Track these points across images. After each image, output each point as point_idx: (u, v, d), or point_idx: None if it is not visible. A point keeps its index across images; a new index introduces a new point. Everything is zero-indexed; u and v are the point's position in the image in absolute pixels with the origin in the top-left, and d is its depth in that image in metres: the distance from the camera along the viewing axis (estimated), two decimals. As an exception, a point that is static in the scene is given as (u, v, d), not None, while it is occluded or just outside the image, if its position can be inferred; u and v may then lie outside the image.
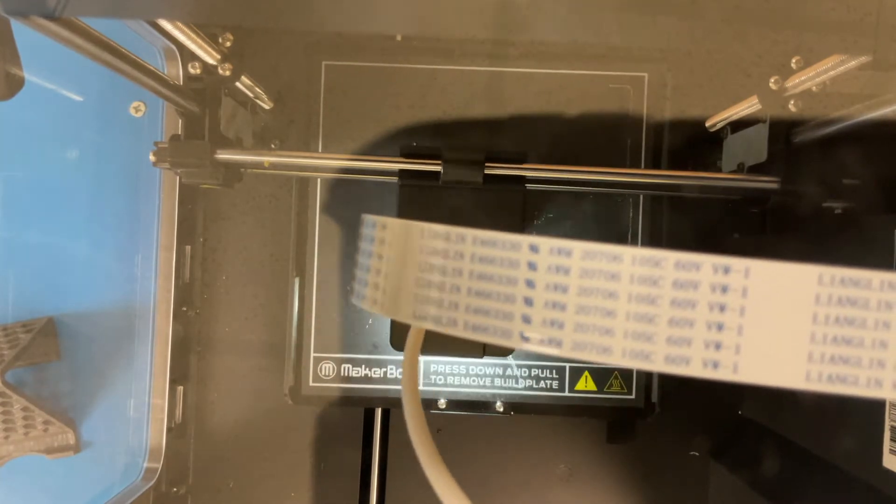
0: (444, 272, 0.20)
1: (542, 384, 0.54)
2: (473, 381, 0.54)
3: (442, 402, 0.54)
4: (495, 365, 0.54)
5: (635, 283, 0.17)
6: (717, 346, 0.17)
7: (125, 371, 0.53)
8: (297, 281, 0.54)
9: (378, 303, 0.22)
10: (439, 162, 0.45)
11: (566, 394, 0.54)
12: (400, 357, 0.54)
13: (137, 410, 0.53)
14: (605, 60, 0.54)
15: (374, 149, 0.54)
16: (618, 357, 0.17)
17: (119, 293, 0.53)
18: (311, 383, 0.54)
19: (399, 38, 0.56)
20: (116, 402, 0.53)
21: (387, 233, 0.22)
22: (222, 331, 0.57)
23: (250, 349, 0.57)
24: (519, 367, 0.54)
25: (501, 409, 0.54)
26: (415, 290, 0.21)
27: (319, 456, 0.58)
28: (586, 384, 0.54)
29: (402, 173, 0.46)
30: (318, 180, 0.54)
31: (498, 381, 0.54)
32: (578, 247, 0.18)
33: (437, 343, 0.45)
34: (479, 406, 0.54)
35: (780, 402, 0.51)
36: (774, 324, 0.17)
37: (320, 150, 0.54)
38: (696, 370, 0.17)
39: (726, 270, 0.17)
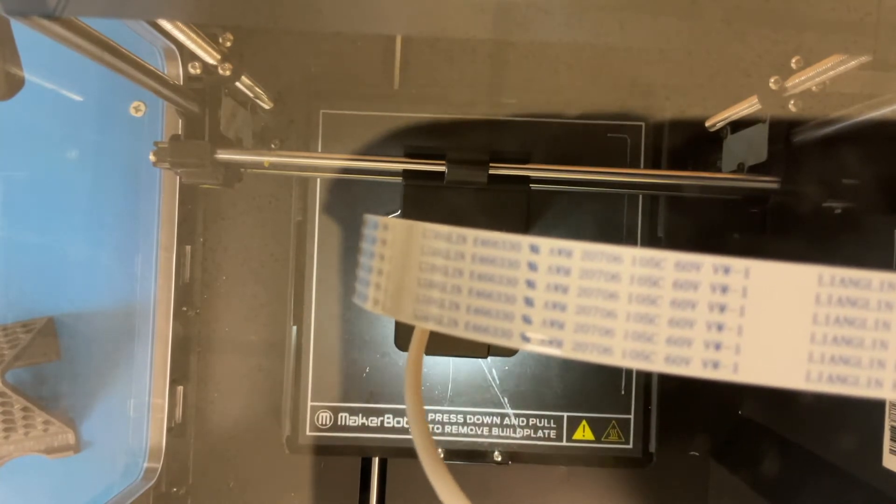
0: (445, 272, 0.20)
1: (539, 433, 0.54)
2: (471, 430, 0.54)
3: (439, 452, 0.54)
4: (493, 414, 0.54)
5: (635, 283, 0.17)
6: (718, 347, 0.17)
7: (125, 371, 0.53)
8: (294, 329, 0.54)
9: (379, 303, 0.22)
10: (443, 162, 0.45)
11: (564, 443, 0.54)
12: (397, 405, 0.54)
13: (137, 410, 0.53)
14: (602, 108, 0.54)
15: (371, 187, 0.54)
16: (618, 357, 0.17)
17: (119, 293, 0.53)
18: (307, 432, 0.53)
19: (397, 86, 0.56)
20: (116, 402, 0.53)
21: (388, 233, 0.22)
22: (222, 331, 0.57)
23: (250, 349, 0.57)
24: (516, 416, 0.54)
25: (499, 459, 0.54)
26: (416, 291, 0.21)
27: (320, 457, 0.58)
28: (584, 433, 0.54)
29: (406, 173, 0.46)
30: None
31: (496, 431, 0.54)
32: (579, 247, 0.18)
33: (442, 344, 0.44)
34: (476, 455, 0.54)
35: (780, 403, 0.51)
36: (774, 324, 0.17)
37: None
38: (696, 370, 0.17)
39: (726, 271, 0.17)
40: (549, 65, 0.57)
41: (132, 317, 0.53)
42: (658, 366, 0.17)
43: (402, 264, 0.21)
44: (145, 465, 0.53)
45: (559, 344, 0.18)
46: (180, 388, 0.55)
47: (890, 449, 0.37)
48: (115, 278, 0.53)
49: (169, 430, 0.53)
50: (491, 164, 0.45)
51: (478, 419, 0.54)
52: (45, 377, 0.52)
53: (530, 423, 0.54)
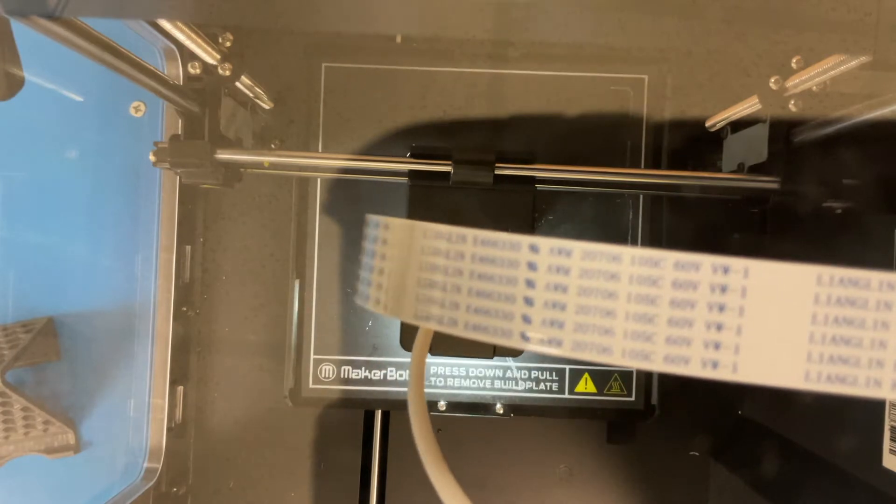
0: (444, 272, 0.20)
1: (542, 386, 0.54)
2: (474, 382, 0.54)
3: (442, 405, 0.54)
4: (495, 367, 0.54)
5: (635, 283, 0.17)
6: (717, 346, 0.17)
7: (125, 371, 0.53)
8: (297, 283, 0.54)
9: (381, 303, 0.22)
10: (449, 162, 0.45)
11: (566, 396, 0.54)
12: (399, 359, 0.54)
13: (137, 410, 0.53)
14: (605, 62, 0.54)
15: (374, 149, 0.54)
16: (617, 357, 0.17)
17: (119, 293, 0.53)
18: (310, 385, 0.54)
19: (399, 39, 0.56)
20: (116, 402, 0.53)
21: (389, 233, 0.22)
22: (222, 331, 0.57)
23: (250, 349, 0.57)
24: (519, 368, 0.54)
25: (501, 411, 0.54)
26: (416, 290, 0.21)
27: (319, 456, 0.58)
28: (586, 386, 0.54)
29: (412, 174, 0.46)
30: (318, 180, 0.54)
31: (498, 384, 0.54)
32: (578, 247, 0.18)
33: (447, 344, 0.45)
34: (479, 408, 0.54)
35: (780, 402, 0.51)
36: (773, 324, 0.17)
37: (320, 150, 0.54)
38: (695, 370, 0.17)
39: (725, 270, 0.17)
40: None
41: (132, 317, 0.53)
42: (657, 365, 0.17)
43: (403, 264, 0.21)
44: (145, 465, 0.53)
45: (559, 343, 0.18)
46: (180, 388, 0.55)
47: (890, 449, 0.37)
48: (115, 278, 0.53)
49: (169, 430, 0.53)
50: (497, 164, 0.45)
51: (480, 372, 0.54)
52: (45, 377, 0.52)
53: (532, 375, 0.54)
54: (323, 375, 0.54)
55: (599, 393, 0.54)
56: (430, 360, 0.54)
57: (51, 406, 0.51)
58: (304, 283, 0.54)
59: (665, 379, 0.55)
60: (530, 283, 0.18)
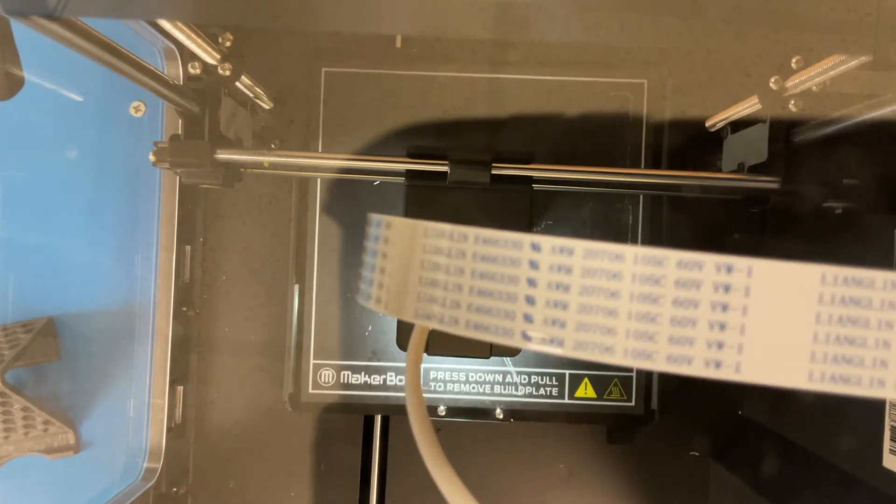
0: (446, 271, 0.20)
1: (541, 391, 0.54)
2: (473, 388, 0.54)
3: (442, 409, 0.54)
4: (495, 372, 0.54)
5: (637, 282, 0.17)
6: (720, 346, 0.17)
7: (125, 371, 0.53)
8: (296, 287, 0.54)
9: (382, 302, 0.22)
10: (446, 162, 0.45)
11: (566, 401, 0.54)
12: (399, 363, 0.54)
13: (137, 410, 0.53)
14: (605, 67, 0.54)
15: (374, 151, 0.54)
16: (620, 356, 0.17)
17: (119, 293, 0.53)
18: (310, 390, 0.54)
19: (399, 44, 0.56)
20: (116, 402, 0.53)
21: (391, 231, 0.22)
22: (222, 331, 0.57)
23: (250, 349, 0.57)
24: (519, 373, 0.54)
25: (501, 416, 0.54)
26: (418, 289, 0.20)
27: (319, 456, 0.58)
28: (586, 391, 0.54)
29: (409, 173, 0.46)
30: (318, 180, 0.54)
31: (498, 388, 0.54)
32: (580, 245, 0.18)
33: (444, 344, 0.45)
34: (478, 413, 0.54)
35: (781, 403, 0.51)
36: (777, 323, 0.17)
37: (320, 150, 0.54)
38: (698, 370, 0.17)
39: (729, 269, 0.17)
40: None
41: (132, 317, 0.53)
42: (660, 365, 0.17)
43: (405, 263, 0.21)
44: (145, 465, 0.53)
45: (560, 343, 0.18)
46: (180, 388, 0.55)
47: (890, 449, 0.37)
48: (115, 278, 0.53)
49: (169, 430, 0.53)
50: (493, 165, 0.45)
51: (480, 377, 0.54)
52: (45, 377, 0.52)
53: (532, 380, 0.54)
54: (322, 380, 0.54)
55: (599, 398, 0.54)
56: (429, 364, 0.54)
57: (51, 406, 0.51)
58: (304, 288, 0.54)
59: (664, 381, 0.55)
60: (532, 282, 0.18)
